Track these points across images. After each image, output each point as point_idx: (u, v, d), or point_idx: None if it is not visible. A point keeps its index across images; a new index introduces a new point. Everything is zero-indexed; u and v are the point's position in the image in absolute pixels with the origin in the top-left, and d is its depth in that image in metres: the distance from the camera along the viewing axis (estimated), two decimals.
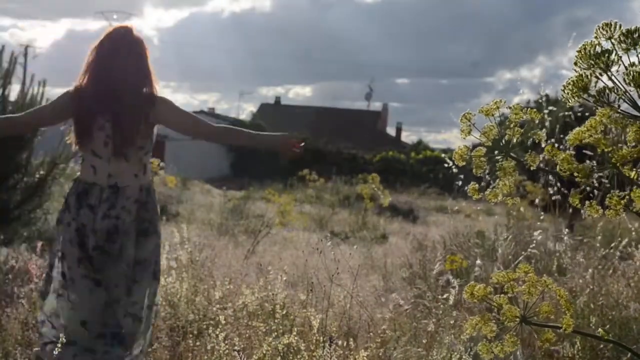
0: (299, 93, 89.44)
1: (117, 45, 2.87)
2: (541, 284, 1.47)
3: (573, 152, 1.30)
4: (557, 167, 1.32)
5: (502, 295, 1.49)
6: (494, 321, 1.47)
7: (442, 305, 3.53)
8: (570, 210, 6.86)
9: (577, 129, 1.29)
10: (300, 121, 37.10)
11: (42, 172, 5.64)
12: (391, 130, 46.96)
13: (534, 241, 5.16)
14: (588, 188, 1.30)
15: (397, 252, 6.73)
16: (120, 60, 2.85)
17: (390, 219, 11.35)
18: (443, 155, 27.47)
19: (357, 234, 9.20)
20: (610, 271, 4.32)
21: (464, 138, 1.36)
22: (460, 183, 5.58)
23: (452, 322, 3.21)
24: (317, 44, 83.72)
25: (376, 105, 47.88)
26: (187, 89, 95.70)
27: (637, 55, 1.20)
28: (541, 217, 6.38)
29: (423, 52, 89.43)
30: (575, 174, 1.27)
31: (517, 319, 1.45)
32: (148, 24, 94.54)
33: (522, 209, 6.87)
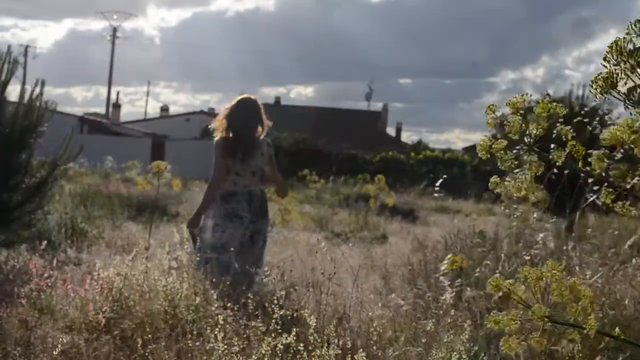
0: (301, 93, 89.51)
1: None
2: (569, 283, 1.47)
3: (607, 152, 1.28)
4: (579, 164, 1.29)
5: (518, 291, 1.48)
6: (518, 318, 1.46)
7: (442, 305, 3.53)
8: (568, 210, 6.82)
9: (612, 128, 1.27)
10: (300, 121, 37.04)
11: (42, 173, 5.63)
12: (391, 130, 47.01)
13: (537, 241, 5.15)
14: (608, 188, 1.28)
15: (397, 252, 6.72)
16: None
17: (391, 219, 11.34)
18: (444, 155, 27.45)
19: (357, 234, 9.20)
20: (614, 271, 4.32)
21: (491, 130, 1.33)
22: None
23: (449, 321, 3.21)
24: (320, 44, 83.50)
25: (377, 106, 47.91)
26: (189, 89, 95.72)
27: None
28: (553, 220, 6.28)
29: (426, 52, 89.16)
30: (611, 174, 1.25)
31: (546, 319, 1.45)
32: (151, 24, 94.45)
33: (525, 208, 6.82)
